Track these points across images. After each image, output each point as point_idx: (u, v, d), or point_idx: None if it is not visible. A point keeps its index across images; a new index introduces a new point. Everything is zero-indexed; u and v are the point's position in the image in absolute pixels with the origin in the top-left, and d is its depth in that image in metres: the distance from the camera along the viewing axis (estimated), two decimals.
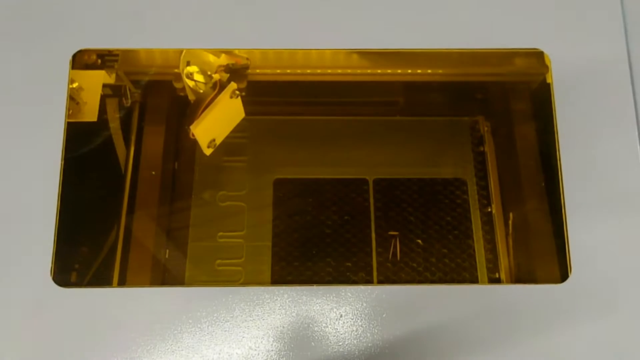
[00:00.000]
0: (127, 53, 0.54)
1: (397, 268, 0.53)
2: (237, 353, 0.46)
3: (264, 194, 0.56)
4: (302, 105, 0.60)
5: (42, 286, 0.47)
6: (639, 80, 0.51)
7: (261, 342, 0.46)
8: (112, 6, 0.53)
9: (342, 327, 0.46)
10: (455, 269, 0.53)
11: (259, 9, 0.53)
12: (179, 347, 0.46)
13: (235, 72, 0.54)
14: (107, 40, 0.52)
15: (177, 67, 0.53)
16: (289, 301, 0.47)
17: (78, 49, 0.52)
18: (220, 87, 0.53)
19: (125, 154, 0.56)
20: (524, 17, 0.53)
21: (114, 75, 0.53)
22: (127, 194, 0.54)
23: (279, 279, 0.52)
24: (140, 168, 0.56)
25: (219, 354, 0.46)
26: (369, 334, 0.46)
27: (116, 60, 0.53)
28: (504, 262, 0.53)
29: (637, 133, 0.50)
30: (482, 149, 0.58)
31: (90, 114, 0.50)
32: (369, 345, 0.46)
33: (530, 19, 0.53)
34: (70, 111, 0.48)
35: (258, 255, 0.53)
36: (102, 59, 0.53)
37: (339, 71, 0.56)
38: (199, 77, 0.53)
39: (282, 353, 0.46)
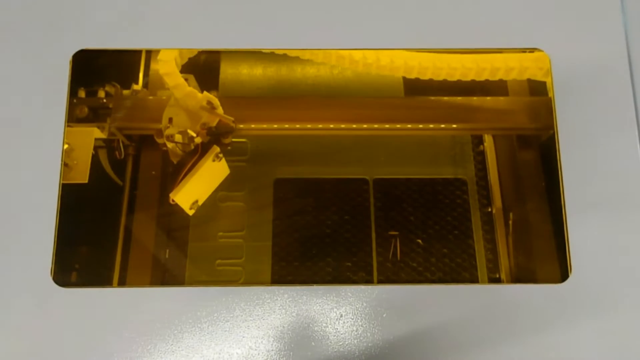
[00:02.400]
0: (119, 103, 0.54)
1: (397, 268, 0.53)
2: (237, 353, 0.46)
3: (264, 194, 0.56)
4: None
5: (42, 286, 0.47)
6: (639, 80, 0.51)
7: (261, 342, 0.46)
8: (112, 6, 0.53)
9: (342, 327, 0.46)
10: (455, 269, 0.53)
11: (259, 9, 0.53)
12: (179, 347, 0.46)
13: (218, 136, 0.53)
14: (107, 40, 0.52)
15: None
16: (289, 301, 0.47)
17: (78, 49, 0.52)
18: (202, 150, 0.52)
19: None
20: (524, 17, 0.53)
21: (106, 130, 0.53)
22: (127, 193, 0.54)
23: (279, 278, 0.52)
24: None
25: (219, 354, 0.46)
26: (369, 334, 0.46)
27: (108, 114, 0.53)
28: (504, 262, 0.53)
29: (637, 133, 0.50)
30: (482, 148, 0.58)
31: (81, 175, 0.50)
32: (369, 345, 0.46)
33: (530, 19, 0.53)
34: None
35: (258, 255, 0.53)
36: (95, 111, 0.53)
37: (343, 125, 0.56)
38: (179, 139, 0.52)
39: (282, 353, 0.46)
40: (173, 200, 0.51)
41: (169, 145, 0.52)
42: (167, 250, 0.54)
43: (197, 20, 0.53)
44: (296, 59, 0.56)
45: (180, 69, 0.56)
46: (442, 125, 0.56)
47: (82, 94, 0.53)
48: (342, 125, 0.56)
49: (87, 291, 0.47)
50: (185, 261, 0.53)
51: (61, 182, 0.49)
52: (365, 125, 0.56)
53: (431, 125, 0.55)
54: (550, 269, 0.50)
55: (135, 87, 0.56)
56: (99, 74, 0.54)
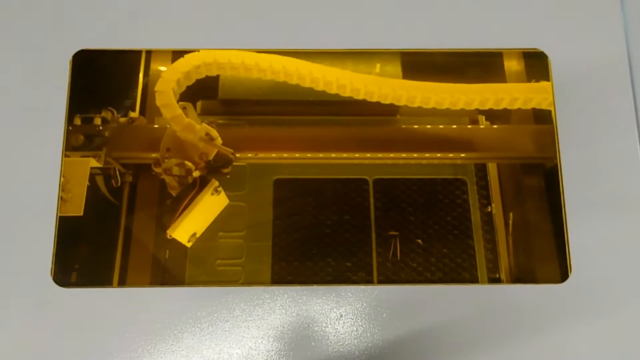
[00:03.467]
0: (116, 131, 0.53)
1: (397, 268, 0.53)
2: (237, 353, 0.46)
3: (264, 194, 0.56)
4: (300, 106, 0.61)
5: (42, 286, 0.47)
6: (639, 80, 0.51)
7: (261, 342, 0.46)
8: (112, 6, 0.53)
9: (342, 327, 0.46)
10: (455, 269, 0.53)
11: (259, 9, 0.53)
12: (179, 347, 0.46)
13: (217, 168, 0.52)
14: (107, 40, 0.52)
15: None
16: (289, 301, 0.47)
17: (78, 49, 0.52)
18: (200, 183, 0.52)
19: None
20: (524, 17, 0.53)
21: (102, 159, 0.53)
22: (127, 192, 0.54)
23: (279, 279, 0.52)
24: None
25: (219, 354, 0.46)
26: (369, 334, 0.46)
27: (105, 142, 0.53)
28: (504, 262, 0.53)
29: (637, 133, 0.50)
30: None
31: (76, 208, 0.49)
32: (369, 345, 0.46)
33: (530, 19, 0.53)
34: None
35: (258, 255, 0.53)
36: (90, 139, 0.52)
37: (344, 155, 0.55)
38: (177, 171, 0.52)
39: (282, 353, 0.46)
40: (170, 236, 0.50)
41: (168, 179, 0.52)
42: (167, 251, 0.54)
43: (197, 20, 0.53)
44: (296, 59, 0.56)
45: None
46: (444, 155, 0.55)
47: (77, 121, 0.52)
48: (344, 155, 0.55)
49: (87, 291, 0.47)
50: (185, 261, 0.53)
51: (61, 182, 0.49)
52: (368, 155, 0.55)
53: (439, 155, 0.55)
54: (550, 269, 0.50)
55: (132, 114, 0.55)
56: (96, 98, 0.54)
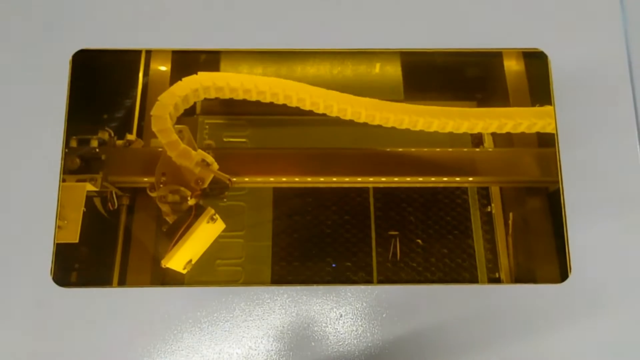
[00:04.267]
0: (112, 155, 0.53)
1: (397, 268, 0.53)
2: (237, 353, 0.46)
3: (264, 194, 0.56)
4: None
5: (42, 286, 0.47)
6: (639, 80, 0.51)
7: (261, 342, 0.46)
8: (112, 6, 0.53)
9: (342, 327, 0.46)
10: (455, 269, 0.53)
11: (258, 9, 0.53)
12: (179, 347, 0.46)
13: (213, 194, 0.52)
14: (107, 40, 0.52)
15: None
16: (289, 301, 0.47)
17: (78, 49, 0.52)
18: (196, 211, 0.51)
19: None
20: (524, 17, 0.53)
21: (98, 183, 0.52)
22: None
23: (279, 279, 0.52)
24: None
25: (219, 354, 0.46)
26: (369, 334, 0.46)
27: (101, 166, 0.52)
28: (504, 262, 0.53)
29: (637, 133, 0.50)
30: (481, 148, 0.58)
31: (71, 235, 0.49)
32: (369, 345, 0.46)
33: (530, 19, 0.53)
34: None
35: (258, 255, 0.53)
36: (87, 162, 0.52)
37: (346, 179, 0.55)
38: (172, 199, 0.51)
39: (282, 353, 0.46)
40: (165, 266, 0.50)
41: (162, 207, 0.51)
42: None
43: (197, 20, 0.53)
44: (295, 58, 0.56)
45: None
46: (450, 179, 0.54)
47: (74, 143, 0.52)
48: (346, 179, 0.54)
49: (87, 291, 0.47)
50: None
51: (61, 177, 0.49)
52: (371, 179, 0.55)
53: (444, 179, 0.54)
54: (550, 269, 0.50)
55: (129, 137, 0.54)
56: (93, 118, 0.53)
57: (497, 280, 0.53)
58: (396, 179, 0.54)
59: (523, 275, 0.54)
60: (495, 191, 0.56)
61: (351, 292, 0.47)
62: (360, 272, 0.52)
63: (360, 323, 0.46)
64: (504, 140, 0.55)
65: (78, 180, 0.51)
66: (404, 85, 0.57)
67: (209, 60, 0.57)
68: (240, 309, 0.47)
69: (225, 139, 0.57)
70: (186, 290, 0.48)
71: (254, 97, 0.54)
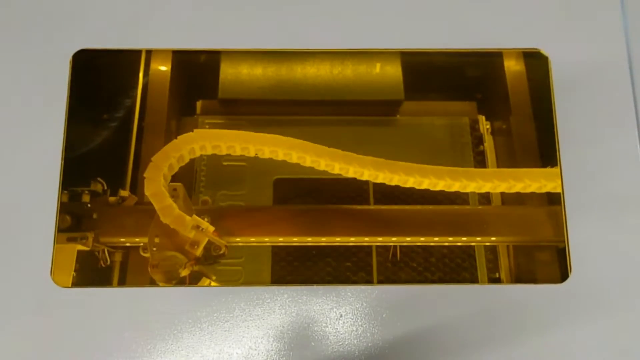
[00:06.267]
0: (104, 214, 0.52)
1: (397, 268, 0.53)
2: (237, 353, 0.46)
3: (264, 194, 0.56)
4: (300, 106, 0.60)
5: (42, 286, 0.47)
6: (639, 80, 0.51)
7: (261, 342, 0.46)
8: (112, 6, 0.53)
9: (342, 327, 0.47)
10: (455, 269, 0.53)
11: (258, 10, 0.53)
12: (179, 347, 0.46)
13: (207, 262, 0.50)
14: (107, 40, 0.52)
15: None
16: (289, 301, 0.47)
17: (78, 49, 0.52)
18: (190, 281, 0.50)
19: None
20: (524, 18, 0.53)
21: (90, 242, 0.50)
22: (127, 188, 0.53)
23: (279, 279, 0.52)
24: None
25: (219, 354, 0.46)
26: (369, 334, 0.46)
27: (93, 225, 0.51)
28: (504, 262, 0.53)
29: (637, 133, 0.50)
30: (481, 148, 0.58)
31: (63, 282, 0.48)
32: (369, 345, 0.46)
33: (530, 19, 0.53)
34: None
35: (258, 255, 0.53)
36: (79, 219, 0.50)
37: (352, 239, 0.53)
38: (165, 267, 0.49)
39: (282, 353, 0.46)
40: None
41: (154, 276, 0.49)
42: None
43: (197, 20, 0.53)
44: (295, 58, 0.56)
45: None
46: (455, 239, 0.53)
47: (65, 198, 0.50)
48: (352, 239, 0.53)
49: (87, 291, 0.47)
50: None
51: (61, 181, 0.49)
52: (380, 239, 0.53)
53: (450, 238, 0.53)
54: (550, 269, 0.50)
55: (123, 193, 0.52)
56: (86, 170, 0.52)
57: (497, 280, 0.53)
58: (408, 238, 0.53)
59: (523, 275, 0.54)
60: (495, 196, 0.55)
61: (351, 292, 0.47)
62: (360, 272, 0.52)
63: (360, 323, 0.46)
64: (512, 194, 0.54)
65: (69, 239, 0.49)
66: (404, 85, 0.57)
67: (209, 60, 0.57)
68: (240, 309, 0.47)
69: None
70: (186, 290, 0.48)
71: (251, 153, 0.53)
